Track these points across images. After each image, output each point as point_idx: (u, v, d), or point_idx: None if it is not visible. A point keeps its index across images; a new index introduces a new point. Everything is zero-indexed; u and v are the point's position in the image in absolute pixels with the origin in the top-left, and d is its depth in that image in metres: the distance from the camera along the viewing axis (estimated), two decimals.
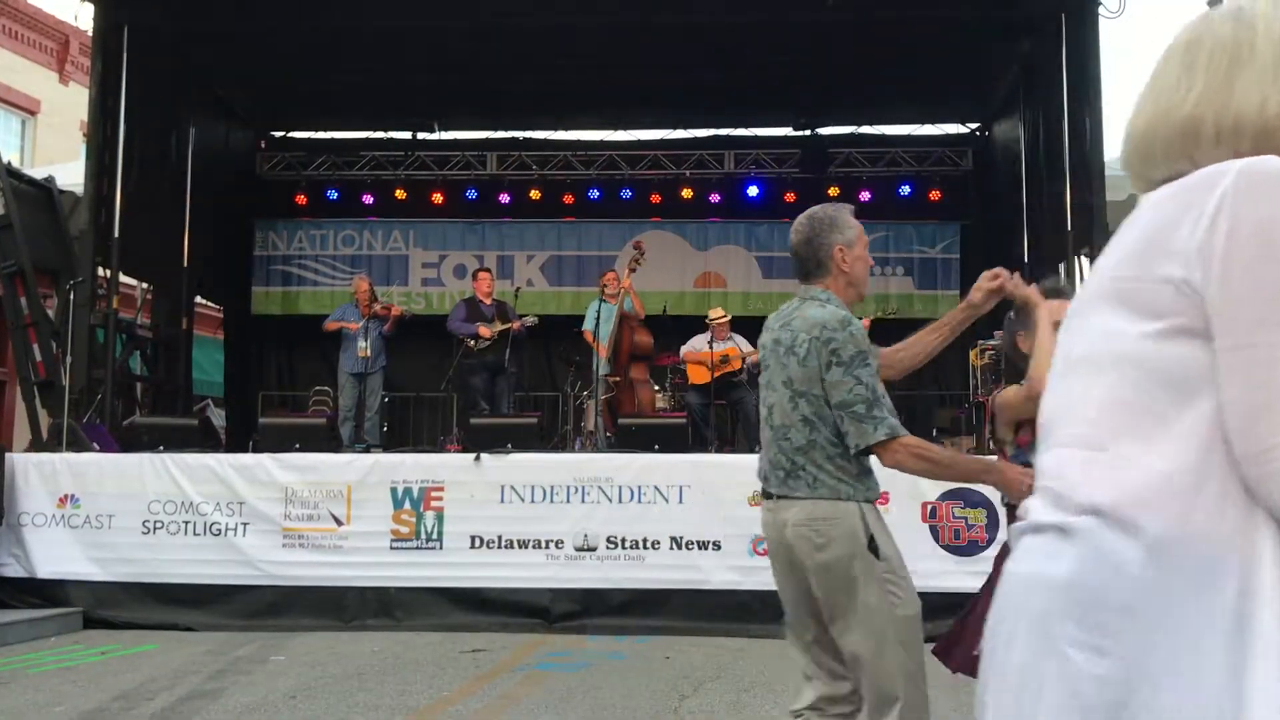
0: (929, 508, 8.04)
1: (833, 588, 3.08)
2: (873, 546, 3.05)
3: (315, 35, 11.20)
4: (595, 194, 13.97)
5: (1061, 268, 10.02)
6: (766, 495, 3.24)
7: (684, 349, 10.98)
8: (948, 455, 3.23)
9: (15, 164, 11.87)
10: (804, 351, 3.11)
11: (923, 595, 8.25)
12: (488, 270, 11.47)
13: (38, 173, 10.83)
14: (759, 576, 8.00)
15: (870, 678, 3.06)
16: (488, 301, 11.04)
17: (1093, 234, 9.22)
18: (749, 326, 11.84)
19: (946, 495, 8.03)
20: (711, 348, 10.56)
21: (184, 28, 10.91)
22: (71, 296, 9.66)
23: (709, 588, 8.08)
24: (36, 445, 9.27)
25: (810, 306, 3.20)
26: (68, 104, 18.53)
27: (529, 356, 13.17)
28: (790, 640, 3.35)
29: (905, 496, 8.06)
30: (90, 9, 10.12)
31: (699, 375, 10.69)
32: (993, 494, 7.96)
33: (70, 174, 10.78)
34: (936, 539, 8.00)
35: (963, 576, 7.92)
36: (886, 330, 11.86)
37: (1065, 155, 9.68)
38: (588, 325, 10.83)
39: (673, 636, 7.86)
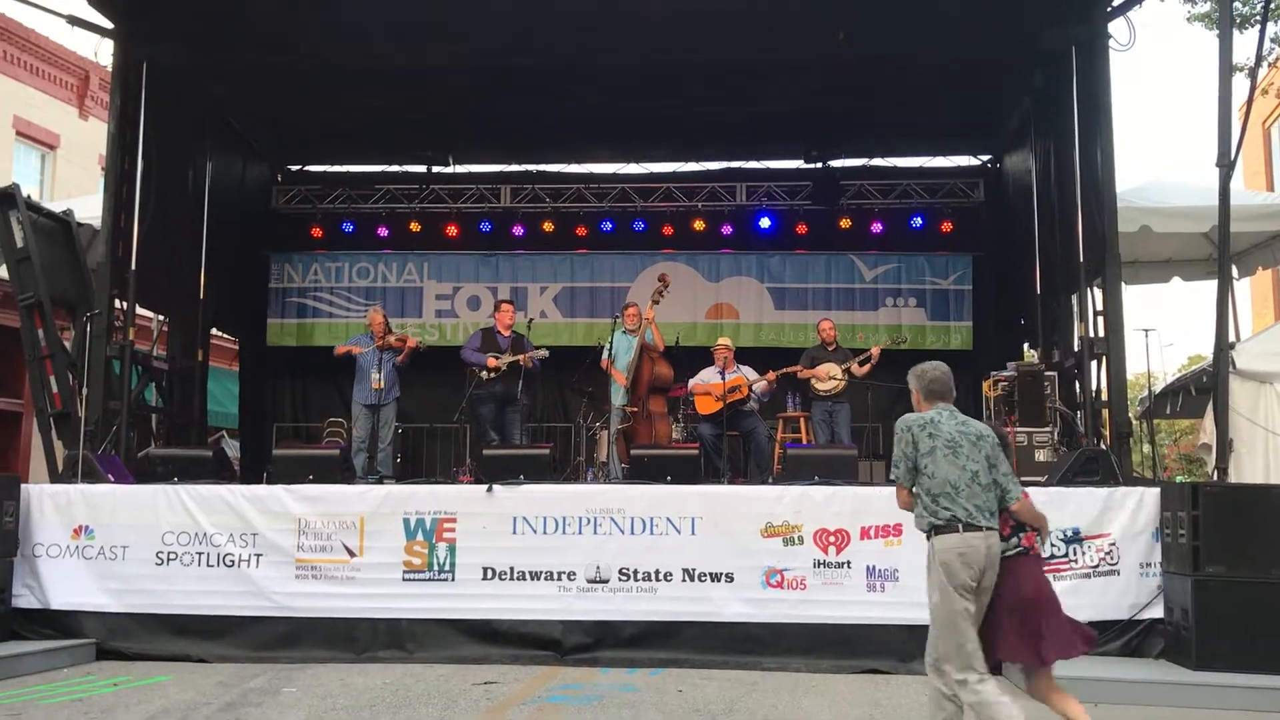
0: None
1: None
2: None
3: (331, 71, 11.31)
4: (608, 226, 14.03)
5: (1074, 299, 10.01)
6: (976, 527, 4.83)
7: (692, 381, 10.99)
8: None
9: (35, 197, 11.98)
10: (989, 444, 4.99)
11: None
12: (510, 303, 11.46)
13: (56, 206, 10.94)
14: (771, 609, 8.00)
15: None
16: (505, 333, 11.06)
17: (1105, 264, 9.20)
18: (762, 357, 11.89)
19: None
20: (724, 378, 10.56)
21: (202, 63, 11.02)
22: (88, 328, 9.72)
23: (721, 620, 8.05)
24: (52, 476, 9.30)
25: (966, 418, 5.11)
26: (87, 138, 18.75)
27: (542, 387, 13.21)
28: (972, 635, 4.81)
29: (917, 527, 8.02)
30: (110, 45, 10.25)
31: (706, 406, 10.69)
32: None
33: (88, 207, 10.88)
34: None
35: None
36: (898, 361, 11.93)
37: (1077, 186, 9.67)
38: (608, 355, 10.87)
39: (685, 669, 7.83)
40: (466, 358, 10.96)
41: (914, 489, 4.96)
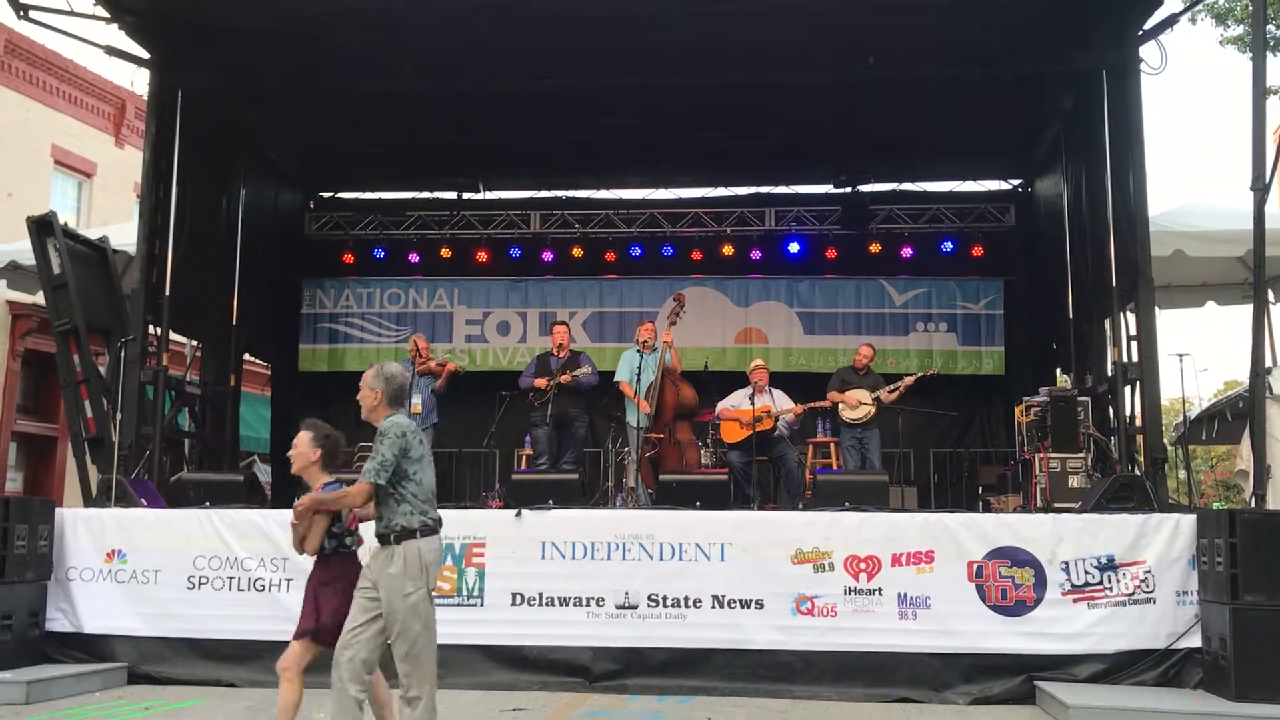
0: (975, 567, 7.91)
1: None
2: None
3: (363, 100, 11.43)
4: (637, 251, 14.05)
5: (1107, 324, 9.92)
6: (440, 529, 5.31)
7: (721, 405, 10.95)
8: None
9: (72, 225, 12.14)
10: None
11: (969, 656, 8.11)
12: (562, 324, 11.40)
13: (93, 233, 11.07)
14: (802, 636, 7.93)
15: None
16: (559, 354, 10.98)
17: (1138, 289, 9.12)
18: (792, 382, 11.84)
19: (993, 554, 7.91)
20: (753, 402, 10.51)
21: (236, 93, 11.16)
22: (122, 354, 9.80)
23: (752, 647, 7.99)
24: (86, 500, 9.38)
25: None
26: (123, 166, 18.97)
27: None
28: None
29: (951, 556, 7.95)
30: (146, 75, 10.40)
31: (733, 433, 10.64)
32: (1039, 553, 7.85)
33: (124, 234, 10.99)
34: (983, 599, 7.86)
35: (1011, 637, 7.79)
36: (931, 386, 11.85)
37: (1109, 210, 9.58)
38: (624, 376, 10.80)
39: (714, 697, 7.76)
40: (521, 384, 11.00)
41: (395, 490, 5.08)
